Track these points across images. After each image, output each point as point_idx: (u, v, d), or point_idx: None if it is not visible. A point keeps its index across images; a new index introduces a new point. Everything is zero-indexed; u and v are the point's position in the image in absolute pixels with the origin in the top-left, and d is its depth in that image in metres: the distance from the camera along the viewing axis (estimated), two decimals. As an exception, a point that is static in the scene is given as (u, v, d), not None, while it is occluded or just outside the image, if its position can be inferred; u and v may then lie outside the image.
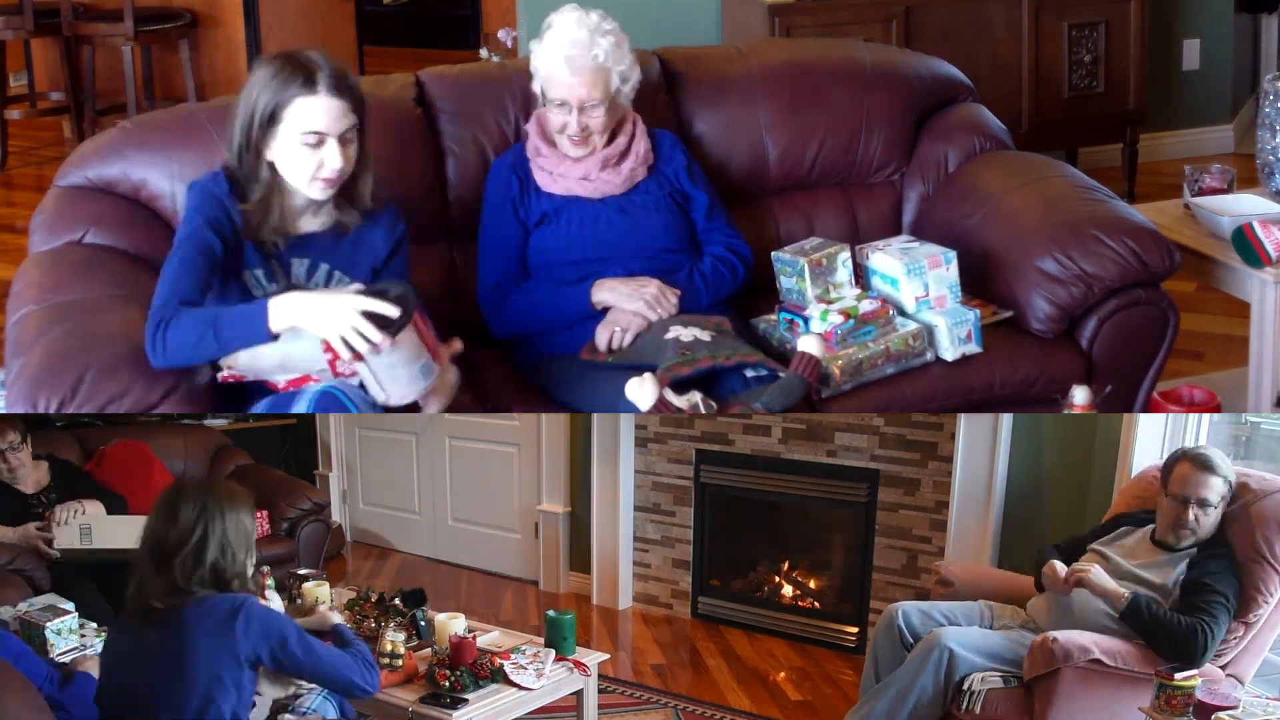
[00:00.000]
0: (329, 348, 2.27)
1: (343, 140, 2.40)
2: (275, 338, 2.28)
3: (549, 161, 2.99)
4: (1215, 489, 2.86)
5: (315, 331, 2.27)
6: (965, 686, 2.74)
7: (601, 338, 2.86)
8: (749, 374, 2.73)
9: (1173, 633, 2.67)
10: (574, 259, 2.96)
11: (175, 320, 2.28)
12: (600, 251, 2.96)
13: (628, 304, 2.86)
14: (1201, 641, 2.65)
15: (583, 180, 2.97)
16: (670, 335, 2.75)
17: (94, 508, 3.74)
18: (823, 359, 2.69)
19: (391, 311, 2.25)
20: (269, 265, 2.48)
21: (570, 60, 2.87)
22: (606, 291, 2.89)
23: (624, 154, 3.00)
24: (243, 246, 2.45)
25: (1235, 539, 2.89)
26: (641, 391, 2.54)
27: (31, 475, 3.84)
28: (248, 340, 2.29)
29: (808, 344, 2.68)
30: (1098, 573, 2.79)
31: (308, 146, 2.38)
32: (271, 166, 2.43)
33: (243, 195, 2.44)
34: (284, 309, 2.26)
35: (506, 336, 3.02)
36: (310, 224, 2.53)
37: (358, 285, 2.46)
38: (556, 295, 2.93)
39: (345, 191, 2.49)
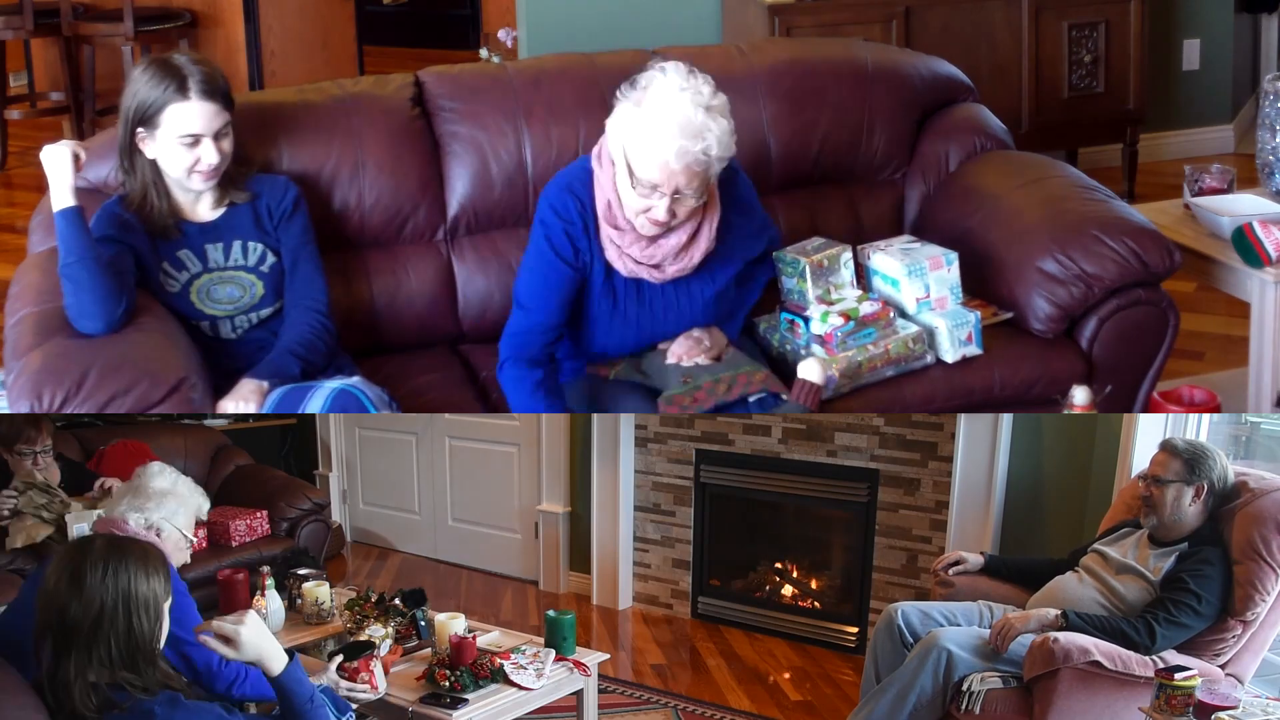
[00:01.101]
0: None
1: (216, 137, 2.63)
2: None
3: (620, 237, 2.69)
4: (1170, 468, 2.91)
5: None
6: (965, 687, 2.75)
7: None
8: (751, 400, 2.72)
9: (1114, 636, 2.73)
10: (628, 343, 2.81)
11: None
12: (653, 334, 2.81)
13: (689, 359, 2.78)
14: (1144, 639, 2.72)
15: (653, 269, 2.72)
16: (673, 359, 2.76)
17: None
18: (826, 381, 2.69)
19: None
20: (176, 257, 2.70)
21: (684, 152, 2.52)
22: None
23: (694, 236, 2.72)
24: (141, 246, 2.66)
25: (1232, 537, 2.89)
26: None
27: (48, 473, 3.96)
28: None
29: (808, 370, 2.68)
30: (1019, 614, 2.85)
31: (185, 146, 2.61)
32: (153, 164, 2.67)
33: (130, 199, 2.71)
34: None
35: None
36: (210, 212, 2.74)
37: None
38: (552, 392, 2.76)
39: (227, 176, 2.72)
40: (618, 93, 2.64)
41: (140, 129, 2.62)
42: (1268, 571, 2.82)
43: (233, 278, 2.73)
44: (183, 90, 2.57)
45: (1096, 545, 3.07)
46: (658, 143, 2.52)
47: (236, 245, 2.73)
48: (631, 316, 2.79)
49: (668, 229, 2.66)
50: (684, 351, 2.77)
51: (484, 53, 4.76)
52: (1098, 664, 2.66)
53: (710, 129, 2.54)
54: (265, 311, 2.76)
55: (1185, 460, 2.91)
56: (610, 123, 2.65)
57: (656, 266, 2.72)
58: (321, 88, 3.13)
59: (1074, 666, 2.65)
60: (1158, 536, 2.96)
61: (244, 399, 2.57)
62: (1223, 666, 2.84)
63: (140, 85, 2.60)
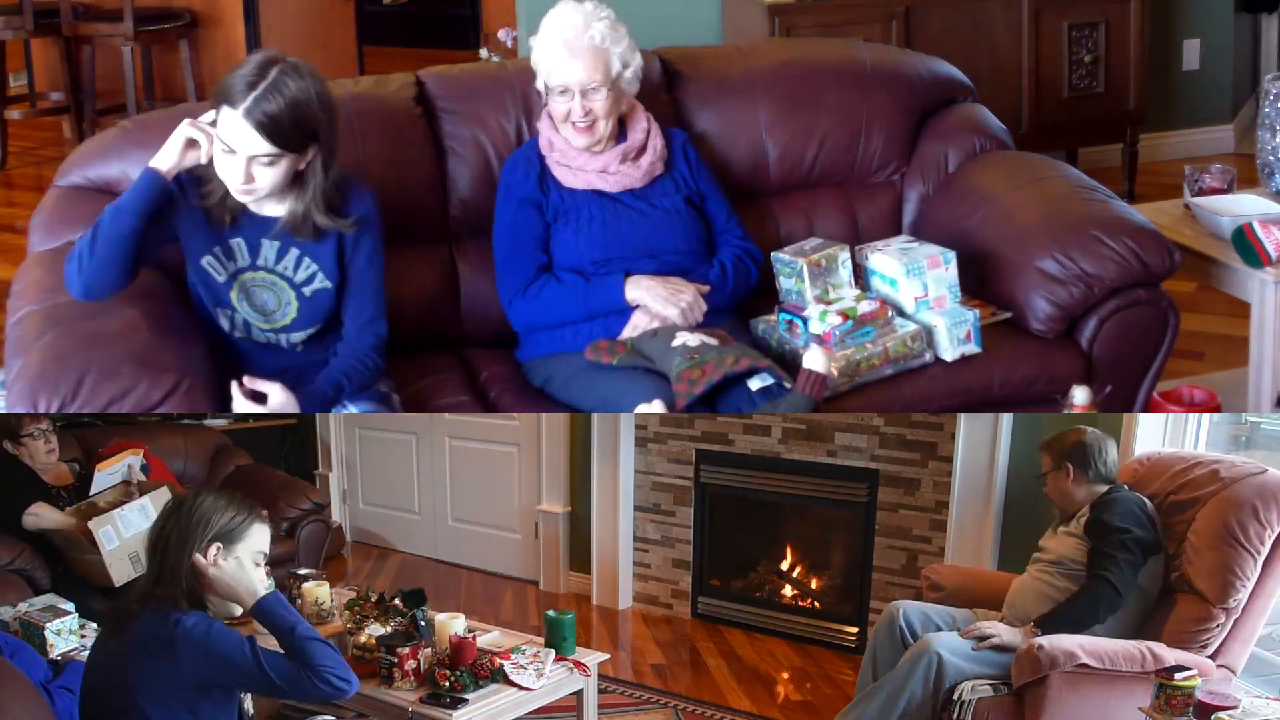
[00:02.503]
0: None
1: (252, 161, 2.42)
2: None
3: (566, 155, 2.98)
4: (1041, 465, 3.13)
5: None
6: (955, 696, 2.74)
7: (624, 333, 2.88)
8: (754, 388, 2.71)
9: (1081, 612, 2.82)
10: (595, 258, 2.94)
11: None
12: (619, 250, 2.95)
13: (662, 309, 2.85)
14: (1107, 591, 2.83)
15: (603, 174, 2.97)
16: (678, 342, 2.75)
17: None
18: (829, 375, 2.69)
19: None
20: (228, 245, 2.57)
21: (568, 44, 2.88)
22: (643, 290, 2.88)
23: (641, 149, 3.00)
24: (194, 223, 2.54)
25: (1203, 524, 2.92)
26: (653, 410, 2.61)
27: (53, 469, 3.89)
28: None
29: (813, 360, 2.67)
30: (992, 626, 2.90)
31: (222, 153, 2.43)
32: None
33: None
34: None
35: (527, 328, 3.01)
36: (274, 208, 2.57)
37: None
38: (588, 288, 2.92)
39: (290, 200, 2.53)
40: (531, 39, 2.99)
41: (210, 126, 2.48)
42: (1246, 556, 2.83)
43: (273, 284, 2.60)
44: (242, 96, 2.38)
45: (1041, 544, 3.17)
46: (552, 46, 2.91)
47: (293, 252, 2.59)
48: (596, 235, 2.95)
49: (594, 135, 2.93)
50: (665, 294, 2.86)
51: (484, 53, 4.76)
52: (1085, 665, 2.66)
53: (595, 25, 2.90)
54: (296, 336, 2.67)
55: (1053, 454, 3.09)
56: (531, 60, 2.99)
57: (605, 171, 2.96)
58: (321, 88, 3.13)
59: (1062, 671, 2.65)
60: (1066, 522, 3.08)
61: (266, 405, 2.50)
62: (1213, 658, 2.84)
63: (238, 65, 2.44)
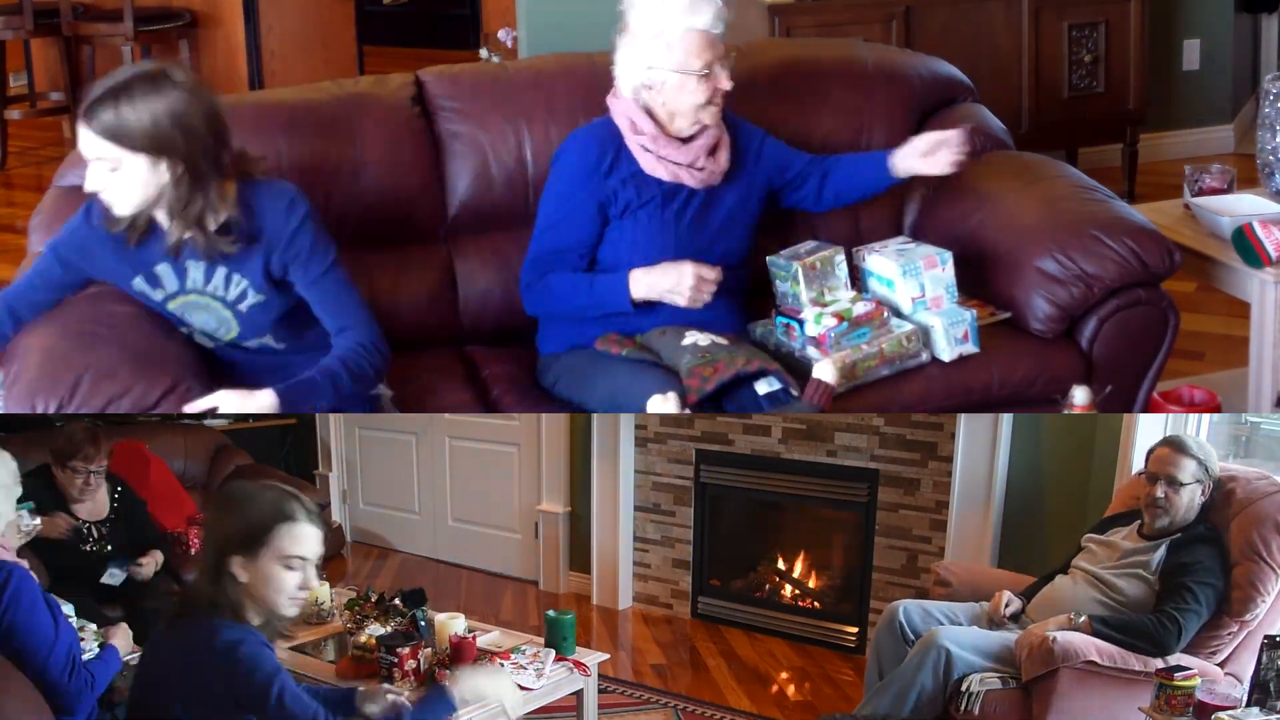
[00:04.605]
0: None
1: (100, 165, 2.35)
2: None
3: (655, 142, 2.85)
4: (1186, 469, 2.92)
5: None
6: (964, 688, 2.75)
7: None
8: (762, 391, 2.71)
9: (1139, 633, 2.75)
10: (663, 255, 2.83)
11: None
12: (688, 248, 2.86)
13: (674, 300, 2.80)
14: (1173, 633, 2.73)
15: (690, 168, 2.87)
16: (688, 341, 2.75)
17: (150, 559, 3.66)
18: (837, 386, 2.69)
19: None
20: (152, 272, 2.50)
21: (704, 19, 2.82)
22: (645, 288, 2.82)
23: (717, 144, 2.92)
24: (107, 262, 2.50)
25: (1231, 539, 2.90)
26: (665, 406, 2.59)
27: (87, 506, 3.66)
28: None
29: (823, 371, 2.68)
30: (1039, 627, 2.82)
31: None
32: None
33: None
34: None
35: (538, 314, 2.98)
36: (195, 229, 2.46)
37: None
38: (593, 282, 2.86)
39: (176, 225, 2.43)
40: (615, 36, 2.89)
41: None
42: (1268, 572, 2.83)
43: (207, 305, 2.53)
44: (85, 98, 2.33)
45: (1086, 543, 3.08)
46: (685, 20, 2.81)
47: (220, 271, 2.49)
48: (670, 222, 2.88)
49: (702, 129, 2.86)
50: (668, 285, 2.78)
51: (484, 53, 4.77)
52: (1095, 663, 2.66)
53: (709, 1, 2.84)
54: (253, 343, 2.61)
55: (1199, 461, 2.94)
56: (626, 62, 2.86)
57: (693, 165, 2.86)
58: (321, 88, 3.13)
59: (1072, 666, 2.65)
60: (1147, 531, 2.99)
61: (252, 406, 2.41)
62: (1221, 664, 2.84)
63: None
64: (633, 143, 2.87)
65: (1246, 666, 2.88)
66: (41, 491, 3.62)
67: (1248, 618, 2.84)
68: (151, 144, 2.32)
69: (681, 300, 2.78)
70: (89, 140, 2.33)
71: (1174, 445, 2.96)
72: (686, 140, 2.87)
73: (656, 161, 2.86)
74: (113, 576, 3.54)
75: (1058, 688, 2.66)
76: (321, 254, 2.53)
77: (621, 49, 2.88)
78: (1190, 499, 2.93)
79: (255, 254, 2.48)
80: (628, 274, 2.83)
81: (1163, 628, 2.74)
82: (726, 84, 2.85)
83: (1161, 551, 2.90)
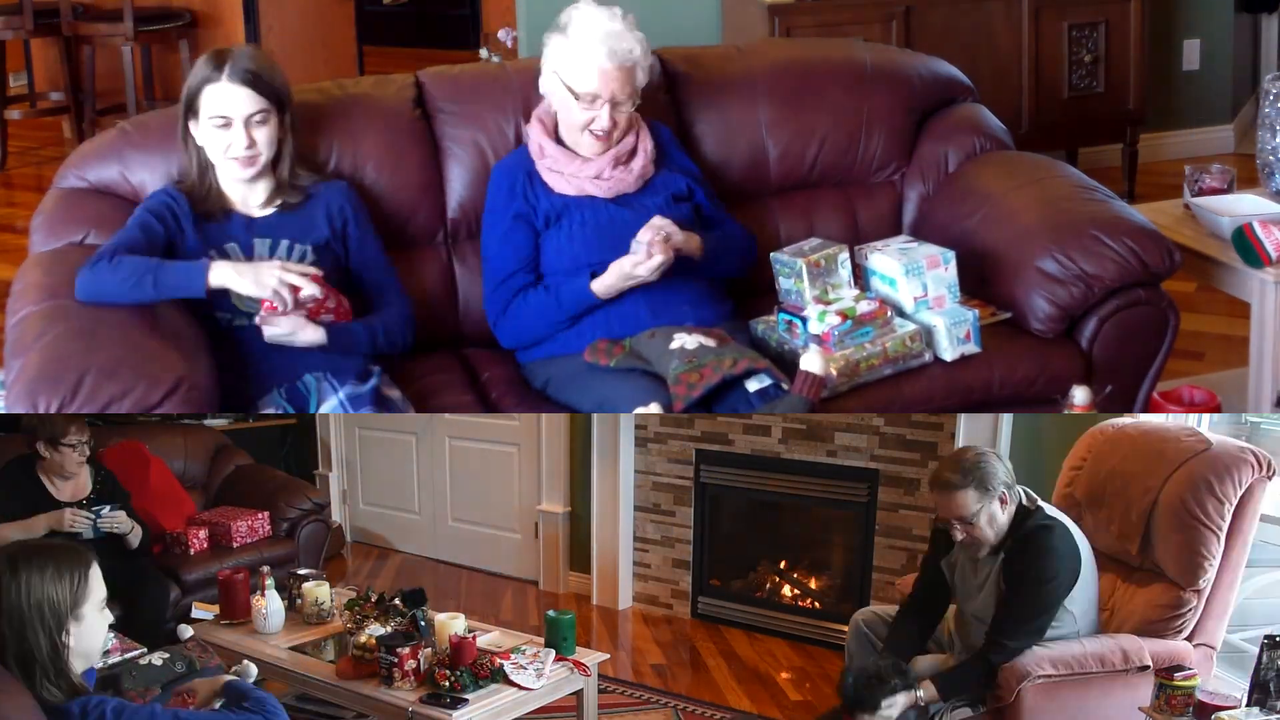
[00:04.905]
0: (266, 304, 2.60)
1: (249, 123, 2.66)
2: (207, 293, 2.60)
3: (557, 161, 2.95)
4: (965, 504, 2.67)
5: (246, 291, 2.60)
6: (933, 718, 2.70)
7: (628, 267, 2.82)
8: (752, 389, 2.71)
9: (971, 674, 2.68)
10: (590, 260, 2.90)
11: (119, 260, 2.57)
12: (615, 255, 2.89)
13: (640, 274, 2.81)
14: (1007, 651, 2.63)
15: (596, 180, 2.94)
16: (675, 345, 2.75)
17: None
18: (826, 377, 2.69)
19: (301, 282, 2.58)
20: (223, 248, 2.72)
21: (613, 53, 2.84)
22: (605, 287, 2.85)
23: (633, 152, 2.98)
24: (185, 232, 2.71)
25: (1162, 506, 2.87)
26: (647, 413, 2.57)
27: (71, 484, 3.76)
28: (183, 291, 2.60)
29: (810, 362, 2.67)
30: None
31: (217, 129, 2.67)
32: (200, 149, 2.72)
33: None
34: (219, 272, 2.59)
35: (517, 345, 3.01)
36: (261, 209, 2.77)
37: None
38: (556, 294, 2.90)
39: (279, 174, 2.77)
40: (544, 38, 2.96)
41: (189, 111, 2.70)
42: (1209, 535, 2.82)
43: None
44: (218, 71, 2.64)
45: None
46: (590, 50, 2.85)
47: (284, 245, 2.74)
48: (590, 239, 2.93)
49: (608, 144, 2.92)
50: (649, 238, 2.80)
51: (484, 53, 4.77)
52: (1051, 675, 2.64)
53: (630, 36, 2.88)
54: None
55: (974, 485, 2.67)
56: (544, 59, 2.95)
57: (598, 177, 2.94)
58: (321, 88, 3.13)
59: (1032, 684, 2.63)
60: (982, 556, 2.79)
61: (301, 339, 2.62)
62: (1190, 639, 2.83)
63: (193, 68, 2.70)
64: (540, 166, 2.98)
65: (1216, 635, 2.89)
66: (23, 484, 3.66)
67: (1200, 585, 2.82)
68: (286, 96, 2.73)
69: (644, 271, 2.80)
70: (239, 96, 2.64)
71: (939, 487, 2.71)
72: (592, 157, 2.94)
73: (561, 179, 2.96)
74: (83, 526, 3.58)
75: (1025, 705, 2.62)
76: (373, 230, 2.89)
77: (550, 44, 2.96)
78: (992, 518, 2.70)
79: (318, 220, 2.79)
80: (587, 275, 2.87)
81: (996, 652, 2.64)
82: (604, 123, 2.88)
83: (999, 563, 2.74)
